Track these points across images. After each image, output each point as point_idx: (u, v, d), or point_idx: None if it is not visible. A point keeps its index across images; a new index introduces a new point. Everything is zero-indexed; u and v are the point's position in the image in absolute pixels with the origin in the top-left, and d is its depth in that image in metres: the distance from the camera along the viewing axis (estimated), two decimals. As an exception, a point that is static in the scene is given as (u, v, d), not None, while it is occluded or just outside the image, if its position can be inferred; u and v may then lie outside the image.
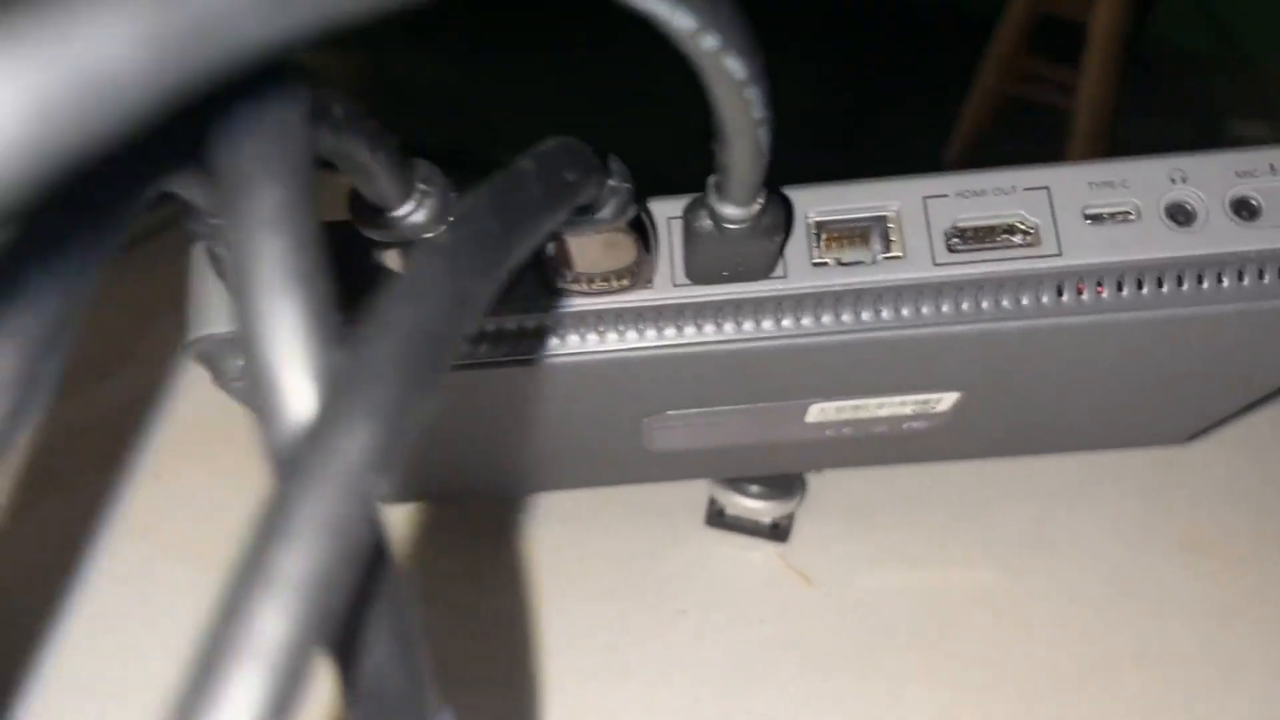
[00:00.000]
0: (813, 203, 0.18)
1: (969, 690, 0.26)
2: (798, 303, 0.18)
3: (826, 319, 0.18)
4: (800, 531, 0.29)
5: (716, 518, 0.29)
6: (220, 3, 0.06)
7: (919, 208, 0.18)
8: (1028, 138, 0.77)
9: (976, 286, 0.18)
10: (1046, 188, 0.18)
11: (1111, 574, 0.29)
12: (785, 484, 0.29)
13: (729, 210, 0.16)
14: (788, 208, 0.18)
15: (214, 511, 0.28)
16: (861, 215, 0.18)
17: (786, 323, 0.18)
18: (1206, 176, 0.18)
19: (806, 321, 0.18)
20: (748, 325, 0.18)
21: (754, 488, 0.28)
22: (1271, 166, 0.18)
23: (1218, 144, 0.18)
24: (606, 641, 0.27)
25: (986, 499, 0.29)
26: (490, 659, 0.27)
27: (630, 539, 0.28)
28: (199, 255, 0.18)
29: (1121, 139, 0.70)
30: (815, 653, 0.27)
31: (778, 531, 0.29)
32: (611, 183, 0.15)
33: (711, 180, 0.16)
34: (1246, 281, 0.18)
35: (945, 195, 0.18)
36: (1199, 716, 0.26)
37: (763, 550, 0.29)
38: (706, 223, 0.16)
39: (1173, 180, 0.18)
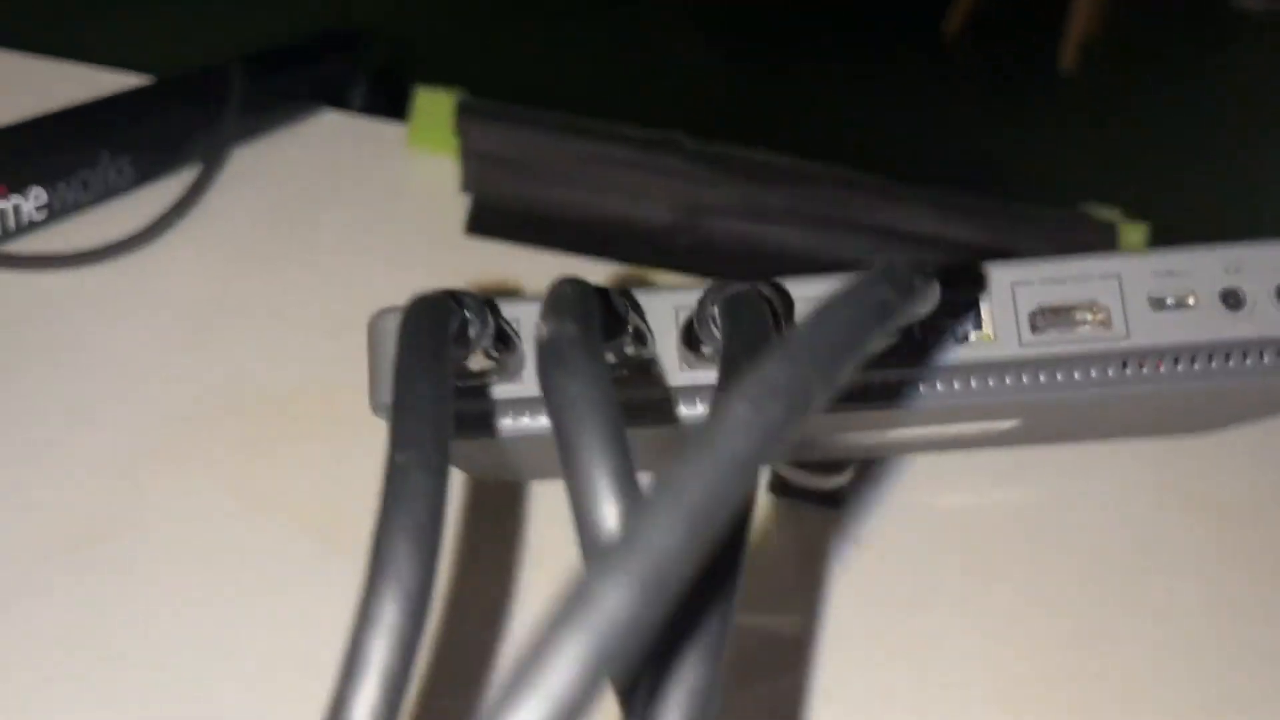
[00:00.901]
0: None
1: (1006, 638, 0.30)
2: (909, 374, 0.21)
3: (937, 387, 0.21)
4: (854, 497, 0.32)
5: (778, 486, 0.33)
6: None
7: (1008, 292, 0.21)
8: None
9: (1054, 364, 0.21)
10: (1118, 275, 0.21)
11: (1128, 531, 0.33)
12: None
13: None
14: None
15: (332, 487, 0.31)
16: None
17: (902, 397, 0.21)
18: (1256, 267, 0.21)
19: (923, 389, 0.21)
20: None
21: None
22: (1313, 259, 0.21)
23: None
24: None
25: (1018, 458, 0.33)
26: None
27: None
28: (377, 330, 0.21)
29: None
30: (872, 610, 0.30)
31: (833, 500, 0.33)
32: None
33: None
34: (1282, 359, 0.21)
35: (1031, 283, 0.21)
36: (1220, 670, 0.30)
37: (815, 519, 0.32)
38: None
39: (1226, 270, 0.21)
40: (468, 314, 0.17)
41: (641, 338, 0.20)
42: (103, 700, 0.26)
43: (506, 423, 0.20)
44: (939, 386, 0.21)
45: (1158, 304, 0.21)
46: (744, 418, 0.10)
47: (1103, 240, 0.41)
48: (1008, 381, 0.21)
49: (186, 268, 0.36)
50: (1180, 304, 0.21)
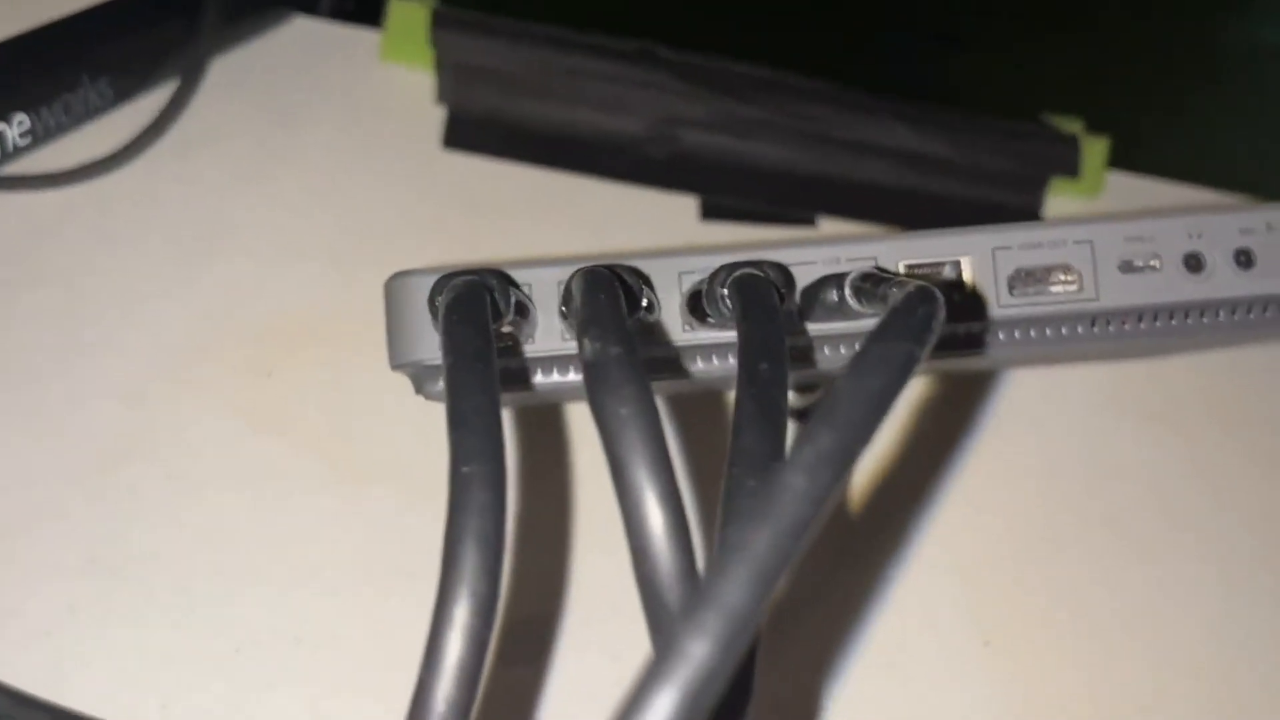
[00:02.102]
0: (904, 254, 0.22)
1: (966, 545, 0.32)
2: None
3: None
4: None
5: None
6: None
7: (989, 257, 0.22)
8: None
9: (1029, 323, 0.23)
10: (1090, 241, 0.22)
11: (1081, 441, 0.35)
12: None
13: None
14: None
15: (332, 408, 0.32)
16: (943, 260, 0.22)
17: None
18: (1216, 233, 0.22)
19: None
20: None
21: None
22: (1268, 224, 0.22)
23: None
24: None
25: (977, 378, 0.35)
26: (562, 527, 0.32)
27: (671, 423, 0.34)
28: (395, 293, 0.22)
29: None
30: (839, 520, 0.33)
31: (804, 416, 0.35)
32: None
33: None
34: (1238, 316, 0.23)
35: (1010, 247, 0.22)
36: (1157, 575, 0.33)
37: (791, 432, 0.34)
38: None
39: (1189, 236, 0.22)
40: (494, 296, 0.19)
41: (651, 307, 0.21)
42: (125, 622, 0.27)
43: (553, 376, 0.22)
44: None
45: (1126, 267, 0.23)
46: (801, 489, 0.12)
47: (1065, 154, 0.42)
48: (987, 341, 0.23)
49: (171, 186, 0.37)
50: (1146, 267, 0.22)
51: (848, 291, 0.20)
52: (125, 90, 0.36)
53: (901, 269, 0.23)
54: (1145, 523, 0.33)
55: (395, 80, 0.43)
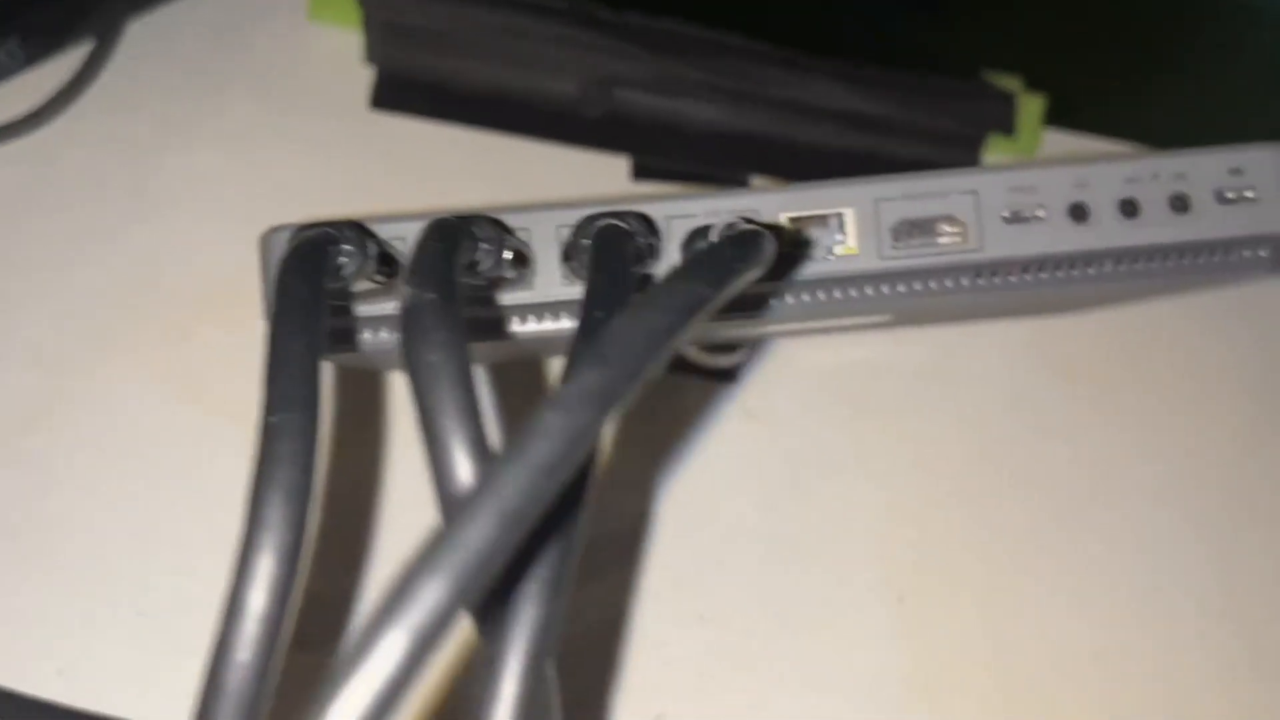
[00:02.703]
0: (785, 205, 0.22)
1: (881, 508, 0.32)
2: (774, 288, 0.22)
3: (802, 298, 0.23)
4: (747, 372, 0.34)
5: (678, 363, 0.35)
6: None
7: (871, 208, 0.22)
8: None
9: (912, 275, 0.22)
10: (975, 191, 0.22)
11: (1002, 398, 0.35)
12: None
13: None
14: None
15: (249, 373, 0.32)
16: (825, 212, 0.22)
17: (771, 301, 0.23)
18: (1101, 181, 0.22)
19: (789, 300, 0.23)
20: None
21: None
22: (1154, 174, 0.22)
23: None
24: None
25: (891, 333, 0.35)
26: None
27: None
28: (267, 247, 0.22)
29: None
30: (761, 482, 0.33)
31: (730, 375, 0.35)
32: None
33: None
34: (1124, 266, 0.23)
35: (893, 198, 0.22)
36: (1072, 528, 0.33)
37: (718, 391, 0.34)
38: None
39: (1074, 185, 0.22)
40: (347, 247, 0.18)
41: (523, 259, 0.21)
42: (26, 586, 0.27)
43: (380, 336, 0.22)
44: (805, 297, 0.23)
45: (1010, 218, 0.22)
46: (556, 424, 0.11)
47: (1001, 112, 0.42)
48: (868, 291, 0.23)
49: (88, 149, 0.36)
50: (1031, 218, 0.22)
51: (715, 242, 0.19)
52: (36, 51, 0.35)
53: (784, 221, 0.22)
54: (1063, 477, 0.33)
55: (323, 39, 0.42)
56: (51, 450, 0.30)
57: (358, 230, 0.19)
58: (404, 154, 0.39)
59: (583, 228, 0.20)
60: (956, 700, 0.29)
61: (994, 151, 0.43)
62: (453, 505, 0.14)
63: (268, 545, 0.13)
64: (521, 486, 0.11)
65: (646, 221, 0.21)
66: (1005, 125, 0.42)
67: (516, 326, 0.23)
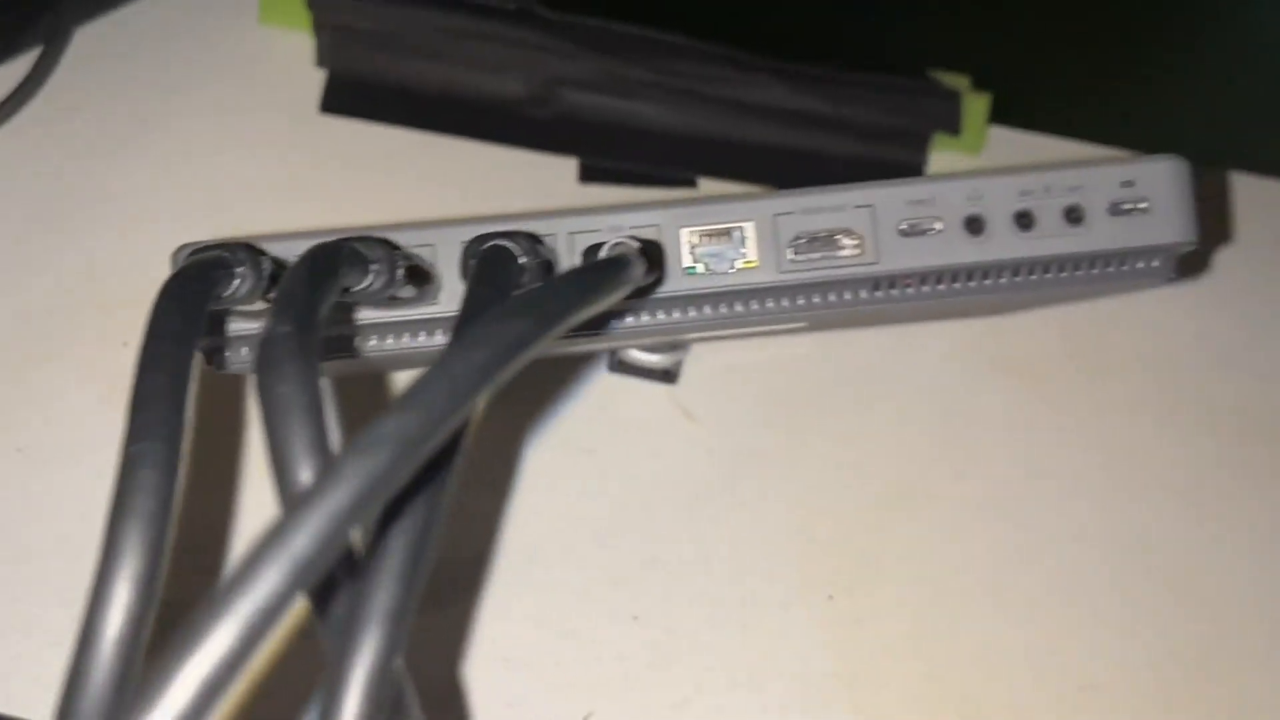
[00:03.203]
0: (687, 220, 0.23)
1: (814, 508, 0.33)
2: (674, 303, 0.23)
3: (705, 311, 0.23)
4: (686, 373, 0.35)
5: (617, 365, 0.35)
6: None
7: (770, 223, 0.23)
8: None
9: (811, 288, 0.23)
10: (871, 205, 0.23)
11: (938, 396, 0.36)
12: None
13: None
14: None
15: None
16: (726, 226, 0.23)
17: (675, 315, 0.23)
18: (996, 195, 0.23)
19: (692, 314, 0.23)
20: (645, 317, 0.23)
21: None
22: (1047, 187, 0.23)
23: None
24: (527, 483, 0.33)
25: (832, 336, 0.35)
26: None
27: (541, 387, 0.34)
28: (174, 264, 0.22)
29: None
30: (697, 481, 0.33)
31: (669, 376, 0.35)
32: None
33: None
34: (1020, 277, 0.23)
35: (792, 213, 0.22)
36: (998, 523, 0.33)
37: (655, 391, 0.35)
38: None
39: (970, 198, 0.23)
40: (239, 269, 0.19)
41: (425, 275, 0.21)
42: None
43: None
44: (707, 310, 0.23)
45: (907, 231, 0.23)
46: (349, 468, 0.12)
47: (946, 110, 0.42)
48: (769, 304, 0.23)
49: (35, 155, 0.37)
50: (928, 230, 0.23)
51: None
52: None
53: (685, 237, 0.23)
54: (996, 473, 0.34)
55: (276, 43, 0.43)
56: (-3, 455, 0.31)
57: (251, 252, 0.20)
58: (354, 157, 0.40)
59: (471, 248, 0.21)
60: (882, 696, 0.30)
61: (940, 150, 0.43)
62: (294, 503, 0.14)
63: (124, 573, 0.14)
64: (313, 533, 0.12)
65: (534, 239, 0.21)
66: (950, 125, 0.43)
67: (424, 340, 0.23)
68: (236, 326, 0.22)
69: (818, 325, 0.29)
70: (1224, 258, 0.41)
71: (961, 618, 0.31)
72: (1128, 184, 0.23)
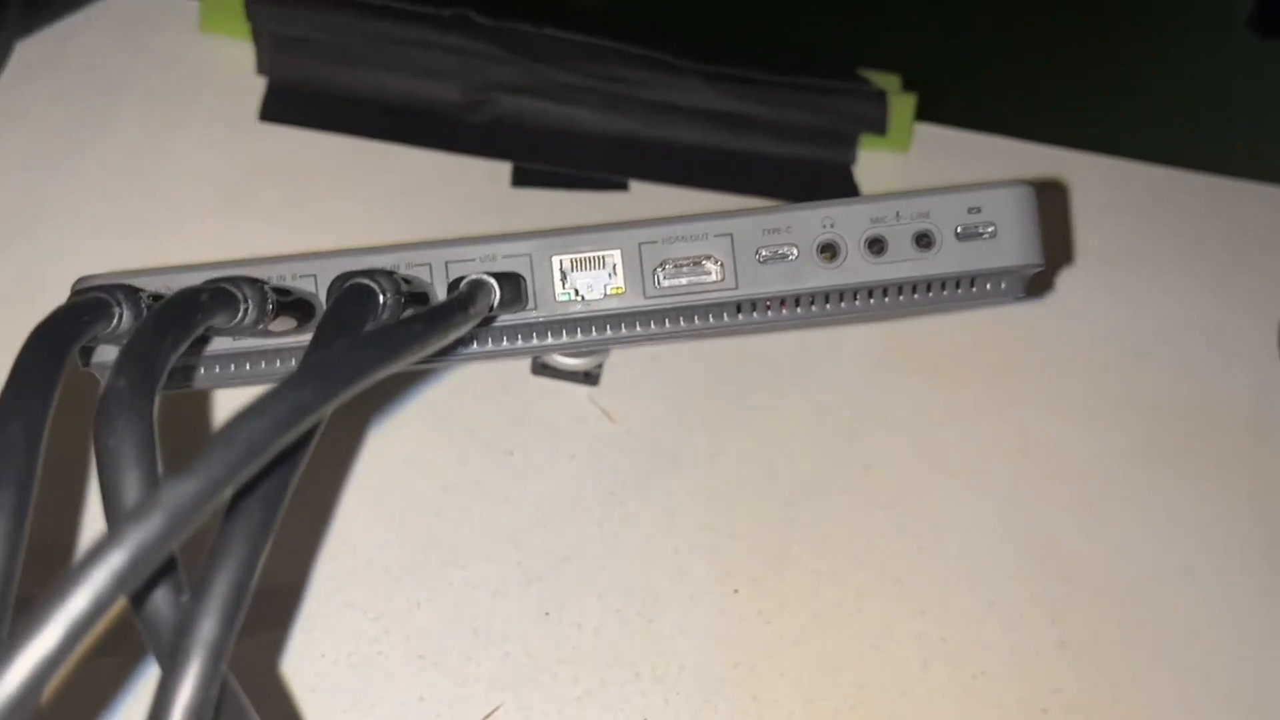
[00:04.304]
0: (558, 249, 0.24)
1: (724, 504, 0.35)
2: (547, 327, 0.24)
3: (577, 334, 0.24)
4: (606, 376, 0.36)
5: (540, 368, 0.37)
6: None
7: (635, 251, 0.24)
8: None
9: (677, 313, 0.24)
10: (730, 234, 0.24)
11: (852, 393, 0.37)
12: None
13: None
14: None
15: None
16: (595, 254, 0.24)
17: (547, 340, 0.25)
18: (849, 222, 0.24)
19: (565, 337, 0.25)
20: (520, 341, 0.25)
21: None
22: (897, 214, 0.24)
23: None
24: (447, 484, 0.34)
25: (747, 340, 0.37)
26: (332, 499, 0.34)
27: (466, 390, 0.36)
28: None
29: None
30: (613, 480, 0.35)
31: (590, 378, 0.37)
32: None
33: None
34: (875, 300, 0.24)
35: (655, 241, 0.24)
36: (901, 517, 0.35)
37: (577, 393, 0.36)
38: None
39: (824, 226, 0.24)
40: (116, 310, 0.20)
41: (304, 309, 0.23)
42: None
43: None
44: (579, 333, 0.25)
45: (765, 258, 0.24)
46: (127, 532, 0.13)
47: (873, 112, 0.43)
48: (638, 328, 0.25)
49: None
50: (783, 257, 0.24)
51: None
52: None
53: (556, 265, 0.24)
54: (901, 467, 0.35)
55: (217, 51, 0.44)
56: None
57: (128, 291, 0.21)
58: (292, 165, 0.41)
59: (334, 285, 0.22)
60: (781, 686, 0.31)
61: (868, 149, 0.45)
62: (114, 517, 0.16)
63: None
64: (90, 598, 0.13)
65: (399, 277, 0.22)
66: (877, 125, 0.44)
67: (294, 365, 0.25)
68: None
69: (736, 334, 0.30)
70: (1141, 250, 0.42)
71: (862, 609, 0.33)
72: (975, 210, 0.24)
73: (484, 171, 0.43)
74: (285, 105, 0.43)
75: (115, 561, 0.12)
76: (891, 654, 0.32)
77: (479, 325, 0.23)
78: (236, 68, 0.43)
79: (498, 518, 0.34)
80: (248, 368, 0.25)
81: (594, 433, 0.36)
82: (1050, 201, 0.44)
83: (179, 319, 0.18)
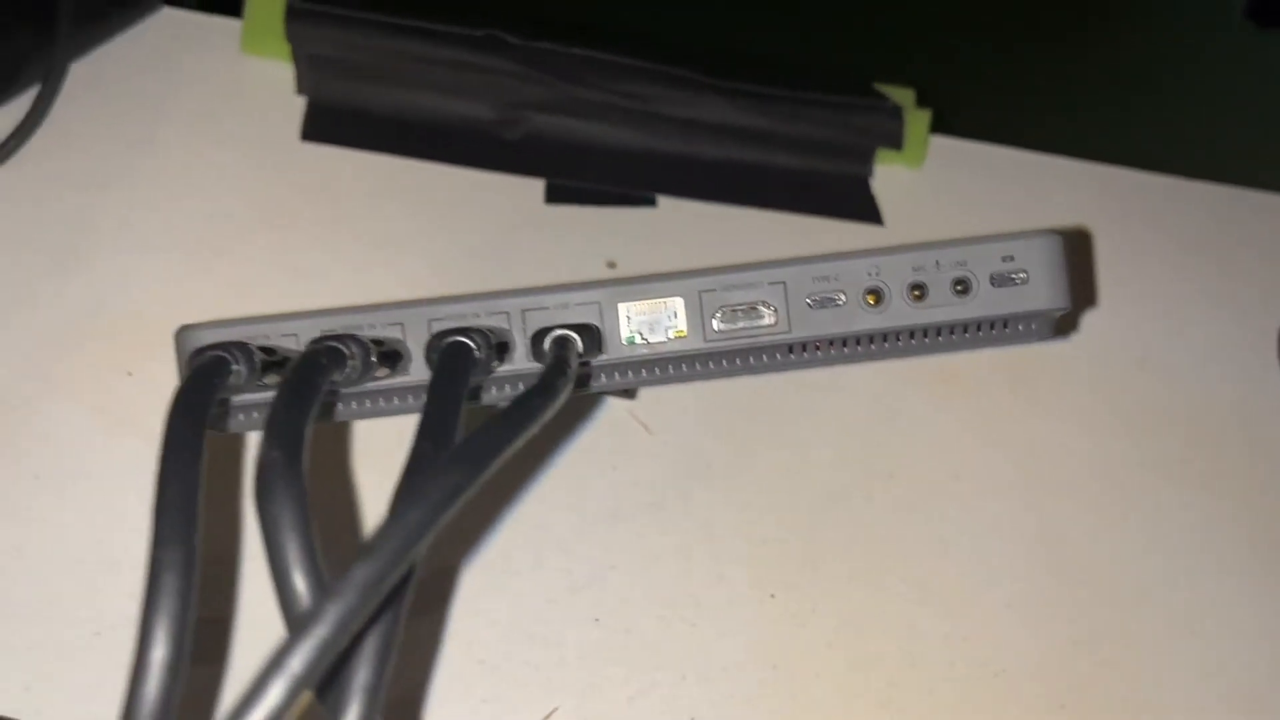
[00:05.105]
0: (625, 297, 0.26)
1: (758, 513, 0.37)
2: (614, 368, 0.27)
3: (642, 374, 0.27)
4: (643, 390, 0.39)
5: (583, 381, 0.39)
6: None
7: (696, 298, 0.26)
8: None
9: (734, 354, 0.27)
10: (784, 282, 0.26)
11: (874, 406, 0.39)
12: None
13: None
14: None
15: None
16: (659, 301, 0.26)
17: (614, 379, 0.27)
18: (893, 270, 0.26)
19: (630, 376, 0.27)
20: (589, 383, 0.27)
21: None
22: (937, 262, 0.26)
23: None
24: (497, 499, 0.37)
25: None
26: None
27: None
28: (180, 344, 0.26)
29: None
30: (651, 490, 0.37)
31: (628, 392, 0.39)
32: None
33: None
34: (916, 341, 0.27)
35: (714, 289, 0.26)
36: (933, 521, 0.37)
37: (618, 407, 0.39)
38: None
39: (870, 274, 0.26)
40: (236, 367, 0.22)
41: (395, 356, 0.25)
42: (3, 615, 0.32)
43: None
44: (644, 373, 0.27)
45: (815, 303, 0.26)
46: (329, 609, 0.16)
47: (889, 127, 0.45)
48: (697, 367, 0.27)
49: (35, 191, 0.40)
50: (833, 302, 0.26)
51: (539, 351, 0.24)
52: (-12, 104, 0.39)
53: (623, 311, 0.26)
54: (923, 476, 0.38)
55: (259, 72, 0.46)
56: (4, 483, 0.34)
57: (243, 349, 0.23)
58: (333, 183, 0.43)
59: (434, 342, 0.24)
60: (816, 686, 0.34)
61: (884, 163, 0.47)
62: (294, 626, 0.18)
63: (155, 660, 0.18)
64: (329, 627, 0.15)
65: (488, 332, 0.25)
66: (894, 141, 0.46)
67: (397, 404, 0.27)
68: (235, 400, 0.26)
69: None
70: (1140, 263, 0.44)
71: (888, 611, 0.35)
72: (1008, 258, 0.26)
73: (519, 188, 0.45)
74: (325, 125, 0.45)
75: (320, 633, 0.14)
76: (918, 654, 0.35)
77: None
78: (277, 88, 0.45)
79: (548, 527, 0.36)
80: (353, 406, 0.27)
81: (633, 444, 0.38)
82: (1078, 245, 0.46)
83: (309, 384, 0.20)
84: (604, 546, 0.36)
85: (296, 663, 0.16)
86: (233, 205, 0.42)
